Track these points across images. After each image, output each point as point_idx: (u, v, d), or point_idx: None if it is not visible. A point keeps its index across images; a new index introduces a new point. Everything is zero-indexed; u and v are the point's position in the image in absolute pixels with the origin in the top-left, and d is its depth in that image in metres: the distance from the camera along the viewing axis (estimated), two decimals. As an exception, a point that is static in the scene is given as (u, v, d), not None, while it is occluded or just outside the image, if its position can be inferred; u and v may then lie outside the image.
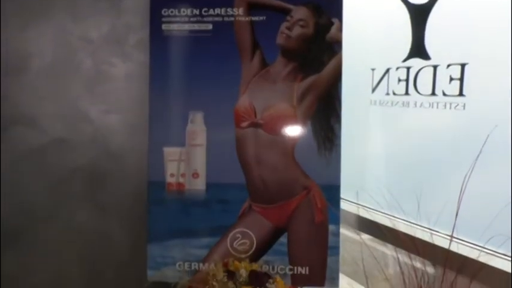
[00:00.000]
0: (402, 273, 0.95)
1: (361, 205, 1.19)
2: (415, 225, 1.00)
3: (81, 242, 1.21)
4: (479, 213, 0.89)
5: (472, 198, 0.88)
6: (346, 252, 1.21)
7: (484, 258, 0.84)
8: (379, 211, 1.12)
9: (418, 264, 0.96)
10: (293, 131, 1.12)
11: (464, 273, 0.85)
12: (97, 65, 1.15)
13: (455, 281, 0.87)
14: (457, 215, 0.88)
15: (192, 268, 1.15)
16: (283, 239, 1.15)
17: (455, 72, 0.93)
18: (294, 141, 1.12)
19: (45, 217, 1.17)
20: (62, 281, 1.21)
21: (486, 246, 0.86)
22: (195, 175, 1.15)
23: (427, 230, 0.97)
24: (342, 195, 1.12)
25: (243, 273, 1.07)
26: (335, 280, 1.15)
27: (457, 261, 0.87)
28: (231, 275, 1.08)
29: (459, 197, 0.88)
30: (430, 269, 0.98)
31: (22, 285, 1.17)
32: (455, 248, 0.89)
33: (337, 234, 1.13)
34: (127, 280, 1.25)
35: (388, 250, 1.13)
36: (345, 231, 1.22)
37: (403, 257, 0.99)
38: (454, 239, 0.89)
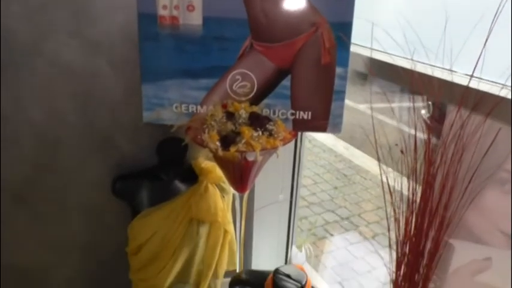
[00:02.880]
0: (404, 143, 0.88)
1: (375, 49, 1.08)
2: (433, 66, 0.92)
3: (71, 80, 1.14)
4: (504, 53, 0.80)
5: (500, 36, 0.78)
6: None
7: (503, 92, 0.77)
8: (393, 54, 1.03)
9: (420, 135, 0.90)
10: (303, -45, 0.96)
11: (480, 111, 0.80)
12: None
13: (468, 120, 0.82)
14: (482, 51, 0.78)
15: (190, 110, 1.10)
16: (286, 81, 1.07)
17: None
18: (303, -31, 0.97)
19: (28, 50, 1.08)
20: (56, 117, 1.17)
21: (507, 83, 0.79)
22: (190, 7, 1.02)
23: (446, 70, 0.88)
24: (353, 36, 1.01)
25: (243, 114, 1.03)
26: (338, 126, 1.10)
27: (473, 99, 0.80)
28: (230, 116, 1.03)
29: (488, 32, 0.78)
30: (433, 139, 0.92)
31: (16, 123, 1.14)
32: (475, 85, 0.82)
33: (344, 77, 1.05)
34: (122, 119, 1.22)
35: (387, 119, 1.06)
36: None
37: (404, 127, 0.93)
38: (474, 78, 0.82)
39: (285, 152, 1.46)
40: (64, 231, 1.34)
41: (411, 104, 0.91)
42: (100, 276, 1.45)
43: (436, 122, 1.02)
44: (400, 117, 0.98)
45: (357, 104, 3.52)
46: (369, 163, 3.09)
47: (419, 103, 0.91)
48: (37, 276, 1.37)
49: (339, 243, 2.31)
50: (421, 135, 0.88)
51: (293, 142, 1.50)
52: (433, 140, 0.88)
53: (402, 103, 1.03)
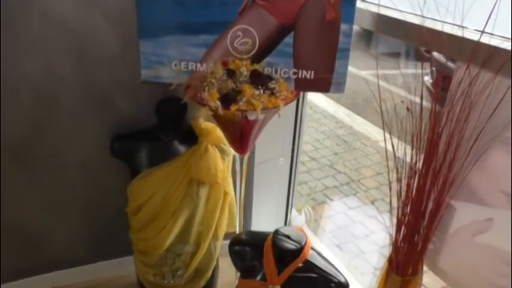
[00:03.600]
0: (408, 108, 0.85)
1: (382, 5, 1.04)
2: (443, 22, 0.88)
3: (65, 34, 1.10)
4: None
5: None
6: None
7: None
8: (402, 10, 0.99)
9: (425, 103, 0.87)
10: None
11: (490, 67, 0.77)
12: None
13: (477, 77, 0.79)
14: (495, 4, 0.75)
15: (189, 68, 1.07)
16: (289, 39, 1.03)
17: None
18: None
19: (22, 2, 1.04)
20: (51, 74, 1.14)
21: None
22: (189, -42, 0.97)
23: (457, 26, 0.85)
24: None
25: (244, 71, 1.00)
26: (341, 85, 1.08)
27: (484, 55, 0.77)
28: (230, 73, 1.00)
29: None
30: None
31: (13, 81, 1.11)
32: (487, 40, 0.78)
33: (349, 34, 1.01)
34: (119, 77, 1.19)
35: (388, 85, 1.03)
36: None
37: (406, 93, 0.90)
38: (485, 33, 0.78)
39: (286, 112, 1.43)
40: (63, 191, 1.33)
41: (414, 71, 0.88)
42: (100, 236, 1.46)
43: (439, 88, 0.99)
44: (403, 83, 0.95)
45: (359, 70, 3.46)
46: (369, 129, 3.07)
47: (423, 69, 0.88)
48: (38, 236, 1.38)
49: (338, 208, 2.32)
50: (425, 103, 0.85)
51: (294, 105, 1.47)
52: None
53: (405, 69, 1.00)
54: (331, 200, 2.44)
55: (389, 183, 0.95)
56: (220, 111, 0.95)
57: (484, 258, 0.94)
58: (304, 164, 2.71)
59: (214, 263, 1.41)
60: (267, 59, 1.05)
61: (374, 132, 3.07)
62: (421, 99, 0.79)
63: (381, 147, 2.93)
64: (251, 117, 0.98)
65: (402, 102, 0.79)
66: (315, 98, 3.49)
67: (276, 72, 1.06)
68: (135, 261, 1.36)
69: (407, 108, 0.79)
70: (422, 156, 0.90)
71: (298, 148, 1.58)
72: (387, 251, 1.07)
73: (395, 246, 1.03)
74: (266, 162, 1.51)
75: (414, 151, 0.87)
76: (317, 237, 2.11)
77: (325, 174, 2.65)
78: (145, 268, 1.33)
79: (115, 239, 1.44)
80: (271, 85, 0.99)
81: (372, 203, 2.35)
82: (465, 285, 1.01)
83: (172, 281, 1.35)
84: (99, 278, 1.52)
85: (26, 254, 1.40)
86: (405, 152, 0.92)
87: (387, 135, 0.89)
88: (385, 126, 0.88)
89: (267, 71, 1.05)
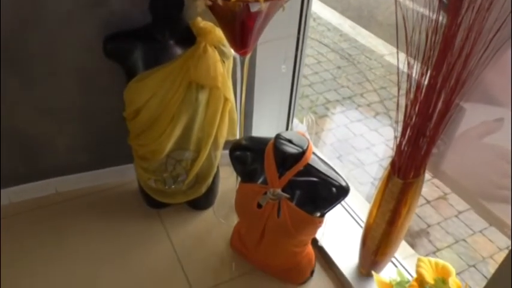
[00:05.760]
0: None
1: None
2: None
3: None
4: None
5: None
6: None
7: None
8: None
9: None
10: None
11: None
12: None
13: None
14: None
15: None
16: None
17: None
18: None
19: None
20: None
21: None
22: None
23: None
24: None
25: (245, -44, 0.90)
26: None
27: None
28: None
29: None
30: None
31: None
32: None
33: None
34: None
35: None
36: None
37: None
38: None
39: (290, 10, 1.33)
40: (59, 96, 1.29)
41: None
42: (100, 143, 1.45)
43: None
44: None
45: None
46: (374, 43, 2.95)
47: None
48: (38, 142, 1.37)
49: (339, 121, 2.30)
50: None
51: (298, 9, 1.37)
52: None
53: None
54: (333, 113, 2.41)
55: (398, 75, 0.89)
56: (220, 1, 0.87)
57: (489, 159, 0.93)
58: (306, 77, 2.63)
59: (215, 170, 1.41)
60: None
61: (379, 45, 2.95)
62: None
63: (385, 61, 2.83)
64: (254, 8, 0.90)
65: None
66: (318, 9, 3.31)
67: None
68: (136, 168, 1.37)
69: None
70: (436, 53, 0.84)
71: (301, 54, 1.51)
72: (387, 163, 1.06)
73: (398, 149, 1.02)
74: (268, 69, 1.45)
75: (428, 45, 0.81)
76: (318, 149, 2.11)
77: (328, 88, 2.59)
78: (146, 174, 1.33)
79: (116, 146, 1.43)
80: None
81: (375, 117, 2.32)
82: (467, 187, 1.01)
83: (173, 187, 1.37)
84: (101, 184, 1.54)
85: (27, 160, 1.40)
86: (418, 50, 0.86)
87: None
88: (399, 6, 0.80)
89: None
